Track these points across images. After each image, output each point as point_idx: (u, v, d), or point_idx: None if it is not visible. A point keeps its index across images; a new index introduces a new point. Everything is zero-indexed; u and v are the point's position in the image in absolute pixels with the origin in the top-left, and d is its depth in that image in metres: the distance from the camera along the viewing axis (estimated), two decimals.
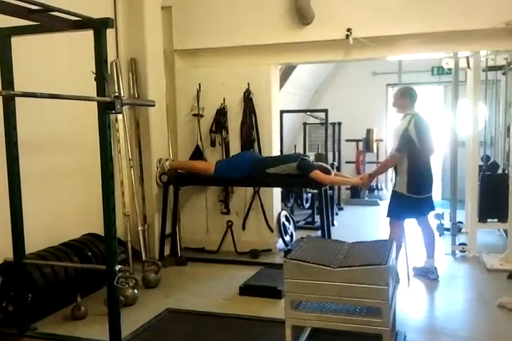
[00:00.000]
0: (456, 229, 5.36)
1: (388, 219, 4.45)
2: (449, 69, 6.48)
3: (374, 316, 2.67)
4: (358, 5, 4.81)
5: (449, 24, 4.56)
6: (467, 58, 5.47)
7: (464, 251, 5.12)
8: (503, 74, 6.16)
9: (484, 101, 5.94)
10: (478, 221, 5.33)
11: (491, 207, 5.30)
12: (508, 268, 4.48)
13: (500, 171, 5.66)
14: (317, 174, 4.62)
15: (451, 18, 4.56)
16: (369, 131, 8.76)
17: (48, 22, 2.73)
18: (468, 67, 5.53)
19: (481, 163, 5.61)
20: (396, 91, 4.52)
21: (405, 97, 4.37)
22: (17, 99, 3.18)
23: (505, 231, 5.30)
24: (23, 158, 3.26)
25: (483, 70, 5.56)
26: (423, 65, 8.37)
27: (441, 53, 5.44)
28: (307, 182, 4.87)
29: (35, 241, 3.62)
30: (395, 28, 4.68)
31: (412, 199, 4.27)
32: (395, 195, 4.36)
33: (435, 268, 4.44)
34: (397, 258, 4.15)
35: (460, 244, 5.22)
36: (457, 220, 5.43)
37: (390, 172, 9.48)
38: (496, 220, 5.39)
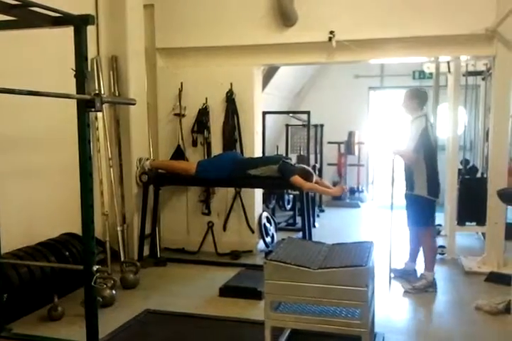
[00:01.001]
0: (435, 231, 5.41)
1: (410, 228, 4.39)
2: (430, 73, 6.57)
3: (353, 318, 2.68)
4: (341, 8, 4.83)
5: (431, 29, 4.61)
6: (448, 63, 5.55)
7: (443, 254, 5.16)
8: (483, 79, 6.26)
9: (464, 105, 6.02)
10: (457, 224, 5.40)
11: (469, 211, 5.36)
12: (485, 271, 4.54)
13: (479, 175, 5.74)
14: (297, 179, 4.59)
15: (433, 23, 4.61)
16: (351, 134, 8.81)
17: (27, 18, 2.68)
18: (449, 71, 5.61)
19: (461, 167, 5.68)
20: (405, 93, 4.38)
21: (414, 99, 4.27)
22: None
23: (484, 234, 5.37)
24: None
25: (464, 75, 5.64)
26: (404, 69, 8.46)
27: (423, 58, 5.49)
28: (288, 184, 4.86)
29: (11, 241, 3.55)
30: (378, 31, 4.71)
31: (431, 202, 4.20)
32: (417, 200, 4.20)
33: (415, 271, 4.48)
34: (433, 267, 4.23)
35: (439, 247, 5.26)
36: (436, 223, 5.48)
37: (369, 175, 9.62)
38: (475, 223, 5.46)
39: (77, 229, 3.53)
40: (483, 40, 4.58)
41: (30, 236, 3.94)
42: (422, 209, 4.24)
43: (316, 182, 4.84)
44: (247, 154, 5.25)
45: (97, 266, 2.93)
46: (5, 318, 3.31)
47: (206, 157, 5.30)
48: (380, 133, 9.63)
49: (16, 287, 3.44)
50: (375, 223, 7.25)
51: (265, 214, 5.66)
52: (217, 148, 5.31)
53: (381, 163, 9.70)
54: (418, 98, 4.30)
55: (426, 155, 4.16)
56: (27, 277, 3.55)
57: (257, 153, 5.43)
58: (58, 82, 3.28)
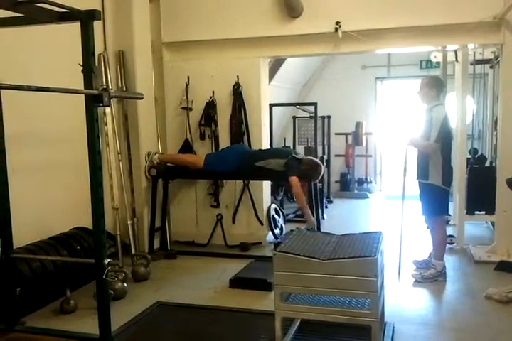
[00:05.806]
0: (444, 221, 5.40)
1: (425, 217, 4.40)
2: (437, 62, 6.52)
3: (363, 308, 2.70)
4: None
5: (438, 18, 4.57)
6: (455, 52, 5.51)
7: (452, 243, 5.15)
8: (491, 67, 6.22)
9: (472, 94, 5.98)
10: (466, 213, 5.38)
11: (478, 200, 5.35)
12: (495, 260, 4.53)
13: (487, 164, 5.72)
14: (294, 180, 4.66)
15: (440, 11, 4.57)
16: (358, 125, 8.78)
17: (33, 14, 2.68)
18: (456, 60, 5.57)
19: (469, 156, 5.66)
20: (422, 80, 4.28)
21: (433, 87, 4.19)
22: (4, 92, 3.13)
23: (493, 223, 5.36)
24: (11, 152, 3.23)
25: (471, 64, 5.60)
26: (411, 58, 8.41)
27: (430, 47, 5.45)
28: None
29: (23, 235, 3.60)
30: (384, 21, 4.69)
31: (445, 192, 4.16)
32: (432, 189, 4.13)
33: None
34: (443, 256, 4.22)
35: (448, 236, 5.25)
36: None
37: (377, 165, 9.60)
38: (484, 212, 5.45)
39: (88, 223, 3.57)
40: (490, 28, 4.54)
41: (42, 231, 3.99)
42: (436, 198, 4.18)
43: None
44: (254, 147, 5.26)
45: (109, 260, 2.96)
46: (18, 312, 3.35)
47: (214, 150, 5.32)
48: (387, 124, 9.59)
49: (28, 281, 3.48)
50: (383, 213, 7.25)
51: (274, 206, 5.68)
52: (224, 141, 5.32)
53: (389, 154, 9.68)
54: (436, 86, 4.22)
55: (443, 146, 4.08)
56: (39, 271, 3.59)
57: (265, 146, 5.43)
58: (66, 78, 3.29)
